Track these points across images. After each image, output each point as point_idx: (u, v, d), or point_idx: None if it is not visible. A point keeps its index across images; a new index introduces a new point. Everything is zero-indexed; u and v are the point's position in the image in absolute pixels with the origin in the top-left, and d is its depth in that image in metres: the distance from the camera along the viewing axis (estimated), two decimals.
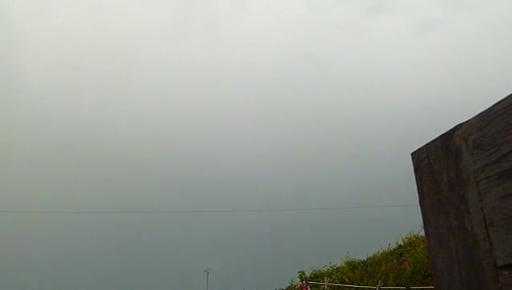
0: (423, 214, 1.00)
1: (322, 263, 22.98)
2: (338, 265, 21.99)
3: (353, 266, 20.44)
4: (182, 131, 59.46)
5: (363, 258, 20.68)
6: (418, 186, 1.02)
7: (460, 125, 0.90)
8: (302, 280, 22.30)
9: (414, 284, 15.20)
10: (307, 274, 23.01)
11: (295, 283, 23.68)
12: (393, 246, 19.76)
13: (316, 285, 21.28)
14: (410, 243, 17.97)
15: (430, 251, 0.97)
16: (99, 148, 55.51)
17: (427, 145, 0.98)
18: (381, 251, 20.02)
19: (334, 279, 20.54)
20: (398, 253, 18.35)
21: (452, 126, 0.91)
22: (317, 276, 22.43)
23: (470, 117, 0.89)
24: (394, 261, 17.82)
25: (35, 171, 51.28)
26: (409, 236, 18.94)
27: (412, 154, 1.03)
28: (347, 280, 19.45)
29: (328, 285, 20.15)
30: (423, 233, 17.58)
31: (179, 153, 58.26)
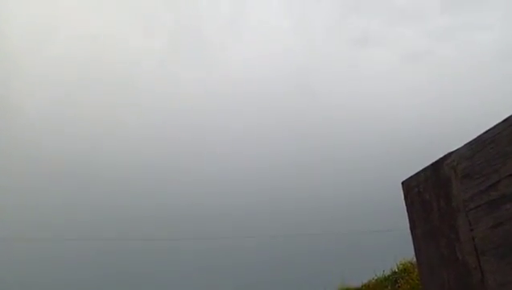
0: (414, 243, 1.00)
1: None
2: None
3: None
4: (176, 158, 59.50)
5: (358, 285, 20.44)
6: (408, 215, 1.02)
7: (450, 154, 0.90)
8: None
9: None
10: None
11: None
12: (387, 272, 19.59)
13: None
14: (405, 269, 17.80)
15: (422, 280, 0.97)
16: (98, 176, 55.28)
17: (416, 174, 0.98)
18: (375, 278, 19.81)
19: None
20: (393, 279, 18.15)
21: (440, 156, 0.91)
22: None
23: (458, 146, 0.90)
24: (389, 288, 17.62)
25: (32, 197, 50.82)
26: (403, 262, 18.78)
27: (402, 183, 1.04)
28: None
29: None
30: None
31: (177, 179, 57.99)
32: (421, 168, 0.97)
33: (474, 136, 0.87)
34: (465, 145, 0.88)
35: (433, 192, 0.93)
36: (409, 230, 1.04)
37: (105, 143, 56.42)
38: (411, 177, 1.01)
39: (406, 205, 1.03)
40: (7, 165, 50.44)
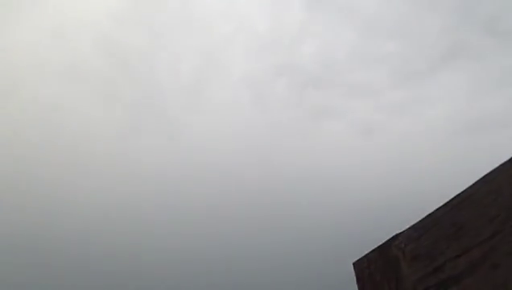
0: None
1: None
2: None
3: None
4: (130, 226, 57.59)
5: None
6: None
7: (397, 235, 0.92)
8: None
9: None
10: None
11: None
12: None
13: None
14: None
15: None
16: (58, 251, 52.45)
17: (367, 255, 0.99)
18: None
19: None
20: None
21: (388, 237, 0.93)
22: None
23: (409, 223, 0.92)
24: None
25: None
26: None
27: (354, 263, 1.04)
28: None
29: None
30: None
31: (157, 247, 55.63)
32: (370, 250, 0.98)
33: (422, 215, 0.90)
34: (411, 227, 0.90)
35: (383, 274, 0.94)
36: None
37: (58, 218, 53.92)
38: (362, 258, 1.01)
39: (358, 287, 1.03)
40: None
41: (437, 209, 0.86)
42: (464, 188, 0.82)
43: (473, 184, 0.80)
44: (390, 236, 0.95)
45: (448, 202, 0.82)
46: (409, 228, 0.91)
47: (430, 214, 0.87)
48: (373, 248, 0.98)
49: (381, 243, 0.95)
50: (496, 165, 0.75)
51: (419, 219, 0.91)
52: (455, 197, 0.83)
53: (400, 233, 0.93)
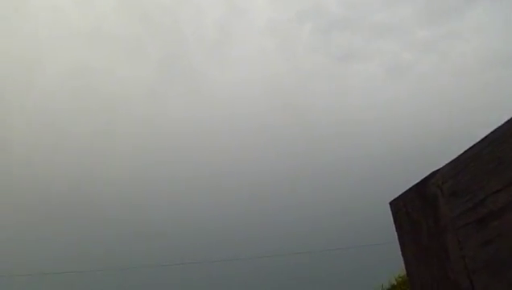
0: (405, 264, 0.99)
1: None
2: None
3: None
4: (174, 183, 59.37)
5: None
6: (398, 236, 1.01)
7: (434, 173, 0.90)
8: None
9: None
10: None
11: None
12: (386, 286, 19.41)
13: None
14: (404, 282, 17.70)
15: None
16: (95, 206, 55.10)
17: (403, 194, 0.98)
18: None
19: None
20: None
21: (426, 174, 0.91)
22: None
23: (444, 158, 0.90)
24: None
25: (30, 231, 50.27)
26: (402, 275, 18.66)
27: (390, 203, 1.03)
28: None
29: None
30: None
31: (177, 204, 57.93)
32: (407, 187, 0.96)
33: (458, 151, 0.87)
34: (449, 163, 0.88)
35: (421, 212, 0.93)
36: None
37: (95, 172, 56.13)
38: (398, 197, 1.00)
39: (396, 226, 1.02)
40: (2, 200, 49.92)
41: (475, 144, 0.84)
42: (501, 123, 0.78)
43: None
44: (424, 175, 0.93)
45: (486, 137, 0.79)
46: (447, 164, 0.88)
47: (468, 150, 0.85)
48: (410, 187, 0.96)
49: (417, 182, 0.94)
50: None
51: (455, 156, 0.89)
52: (494, 131, 0.80)
53: (437, 170, 0.91)
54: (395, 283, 18.73)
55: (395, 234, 1.03)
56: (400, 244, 1.00)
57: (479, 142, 0.81)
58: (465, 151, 0.84)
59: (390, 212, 1.11)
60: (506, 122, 0.77)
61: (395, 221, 1.02)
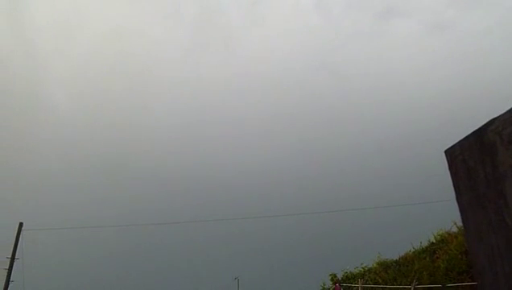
0: (460, 211, 1.00)
1: (353, 266, 22.76)
2: (370, 266, 21.69)
3: (385, 266, 20.13)
4: (205, 142, 60.08)
5: (395, 257, 20.35)
6: (453, 183, 1.01)
7: (493, 120, 0.89)
8: (334, 283, 22.09)
9: (450, 281, 14.85)
10: (339, 276, 22.79)
11: (327, 287, 23.46)
12: (425, 243, 19.37)
13: (349, 287, 21.06)
14: (443, 240, 17.59)
15: (470, 248, 0.97)
16: (124, 166, 56.78)
17: (460, 142, 0.97)
18: (413, 250, 19.65)
19: (367, 280, 20.29)
20: (431, 250, 17.98)
21: (484, 122, 0.90)
22: (349, 278, 22.19)
23: (487, 117, 0.89)
24: (427, 259, 17.46)
25: (61, 192, 52.71)
26: (441, 233, 18.54)
27: (445, 151, 1.03)
28: (380, 281, 19.17)
29: (361, 287, 19.90)
30: (454, 229, 17.21)
31: (204, 163, 58.92)
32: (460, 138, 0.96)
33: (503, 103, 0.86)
34: (509, 110, 0.86)
35: (478, 159, 0.92)
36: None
37: (133, 130, 57.29)
38: (454, 145, 1.00)
39: (451, 174, 1.02)
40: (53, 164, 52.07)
41: None
42: None
43: None
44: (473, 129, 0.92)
45: None
46: (506, 112, 0.87)
47: None
48: (467, 135, 0.96)
49: (475, 129, 0.93)
50: None
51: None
52: None
53: (496, 117, 0.89)
54: (434, 241, 18.68)
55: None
56: (455, 191, 1.01)
57: None
58: None
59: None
60: None
61: (450, 169, 1.02)
